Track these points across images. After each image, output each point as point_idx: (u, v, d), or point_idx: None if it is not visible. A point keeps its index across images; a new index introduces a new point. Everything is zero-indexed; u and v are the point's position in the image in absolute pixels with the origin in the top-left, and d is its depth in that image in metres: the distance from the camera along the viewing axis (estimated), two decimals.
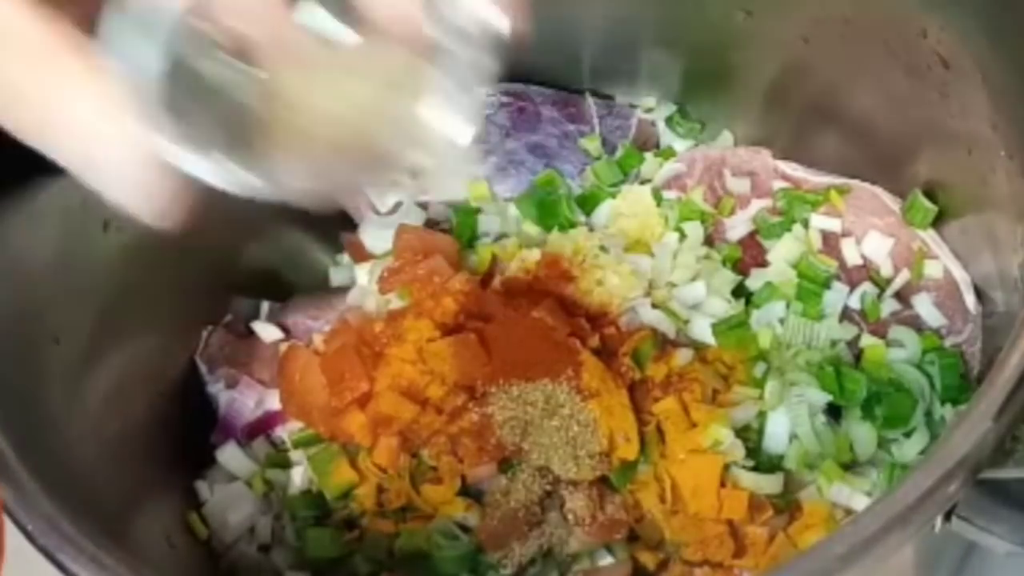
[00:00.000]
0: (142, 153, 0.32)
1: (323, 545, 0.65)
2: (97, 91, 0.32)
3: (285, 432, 0.71)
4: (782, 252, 0.71)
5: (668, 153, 0.81)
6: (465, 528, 0.64)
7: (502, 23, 0.36)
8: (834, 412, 0.66)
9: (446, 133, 0.36)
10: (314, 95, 0.36)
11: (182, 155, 0.32)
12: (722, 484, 0.62)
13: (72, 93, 0.32)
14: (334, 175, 0.36)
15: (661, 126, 0.84)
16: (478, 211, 0.77)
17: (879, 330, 0.69)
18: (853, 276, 0.71)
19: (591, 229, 0.75)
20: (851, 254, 0.71)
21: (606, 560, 0.64)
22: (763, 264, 0.72)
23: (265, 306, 0.77)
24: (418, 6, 0.36)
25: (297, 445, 0.69)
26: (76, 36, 0.32)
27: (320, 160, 0.36)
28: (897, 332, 0.68)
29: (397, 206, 0.78)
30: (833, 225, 0.72)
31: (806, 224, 0.72)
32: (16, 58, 0.32)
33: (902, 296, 0.70)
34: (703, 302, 0.70)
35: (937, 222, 0.70)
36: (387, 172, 0.36)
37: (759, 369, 0.67)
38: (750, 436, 0.65)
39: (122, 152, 0.32)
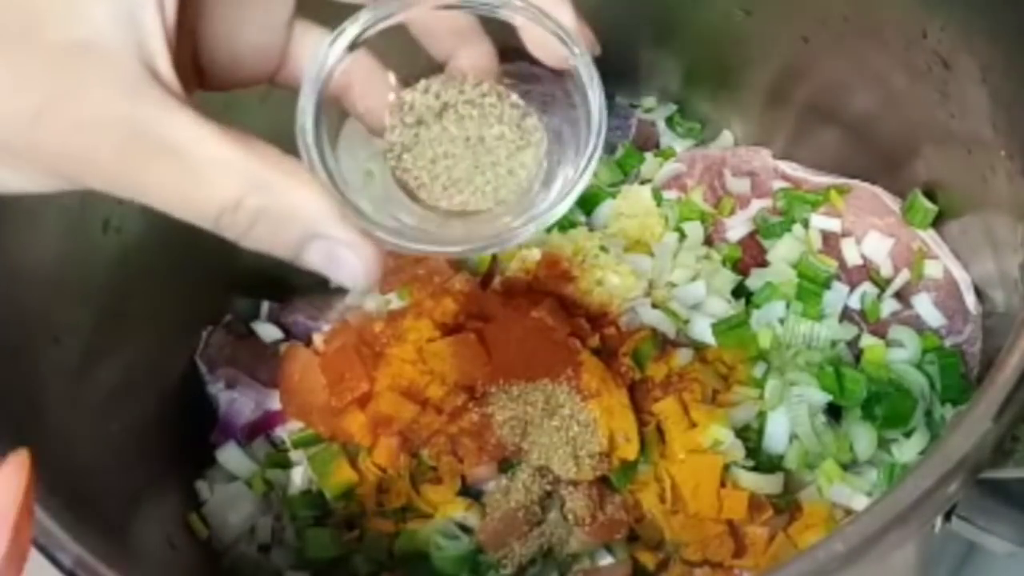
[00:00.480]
0: (368, 244, 0.37)
1: (323, 545, 0.65)
2: (315, 194, 0.36)
3: (285, 432, 0.71)
4: (782, 252, 0.71)
5: (668, 153, 0.81)
6: (465, 528, 0.64)
7: (585, 55, 0.38)
8: (834, 412, 0.66)
9: (547, 198, 0.38)
10: (435, 163, 0.39)
11: (391, 240, 0.37)
12: (722, 484, 0.62)
13: (298, 205, 0.36)
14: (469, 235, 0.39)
15: (661, 126, 0.84)
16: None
17: (879, 330, 0.69)
18: (853, 276, 0.71)
19: (591, 229, 0.75)
20: (851, 254, 0.71)
21: (606, 560, 0.64)
22: (763, 264, 0.72)
23: (265, 306, 0.77)
24: (493, 58, 0.40)
25: (297, 445, 0.69)
26: (260, 144, 0.36)
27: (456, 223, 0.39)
28: (897, 332, 0.68)
29: None
30: (833, 225, 0.72)
31: (806, 224, 0.72)
32: (235, 184, 0.35)
33: (902, 296, 0.70)
34: (703, 302, 0.70)
35: (937, 222, 0.70)
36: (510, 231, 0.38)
37: (759, 369, 0.67)
38: (750, 436, 0.65)
39: (355, 247, 0.37)
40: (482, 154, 0.39)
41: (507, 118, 0.39)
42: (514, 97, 0.39)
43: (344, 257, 0.37)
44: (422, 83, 0.39)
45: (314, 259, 0.37)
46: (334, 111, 0.38)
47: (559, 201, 0.37)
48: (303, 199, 0.36)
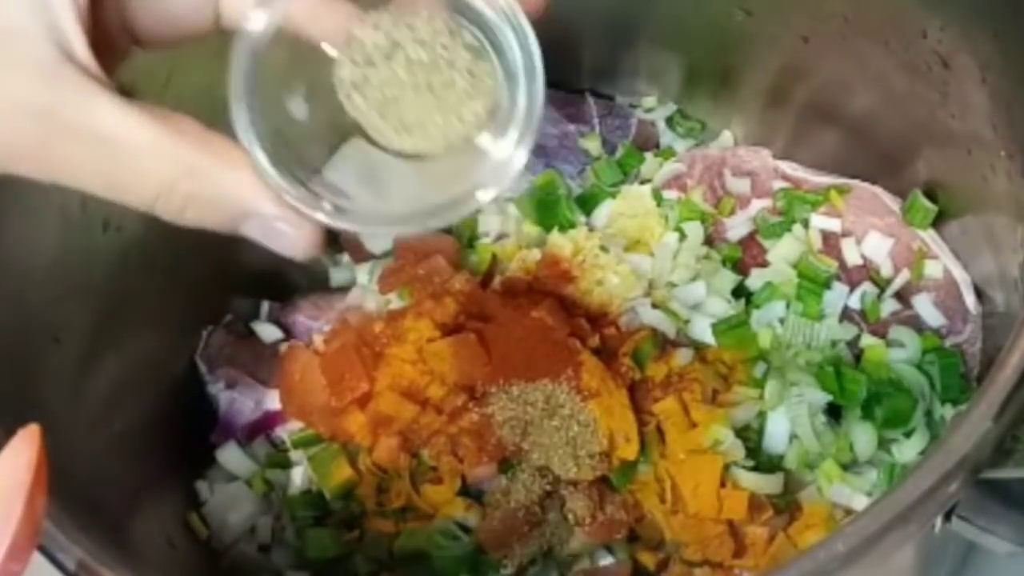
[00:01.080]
0: (303, 217, 0.37)
1: (323, 545, 0.65)
2: (246, 174, 0.36)
3: (285, 432, 0.71)
4: (782, 252, 0.71)
5: (668, 153, 0.81)
6: (465, 528, 0.64)
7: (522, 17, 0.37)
8: (834, 412, 0.66)
9: (502, 154, 0.38)
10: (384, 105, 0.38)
11: (307, 209, 0.37)
12: (722, 484, 0.62)
13: (229, 186, 0.36)
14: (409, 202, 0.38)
15: (661, 126, 0.84)
16: (478, 211, 0.77)
17: (879, 330, 0.69)
18: (853, 276, 0.70)
19: (591, 229, 0.75)
20: (851, 254, 0.71)
21: (606, 560, 0.64)
22: (763, 264, 0.72)
23: (265, 306, 0.77)
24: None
25: (297, 445, 0.69)
26: (188, 123, 0.35)
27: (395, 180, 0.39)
28: (897, 332, 0.68)
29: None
30: (833, 225, 0.72)
31: (806, 224, 0.72)
32: (165, 170, 0.35)
33: (902, 296, 0.70)
34: (703, 302, 0.70)
35: (937, 222, 0.70)
36: (455, 192, 0.38)
37: (759, 369, 0.67)
38: (750, 436, 0.65)
39: (291, 221, 0.37)
40: (431, 100, 0.38)
41: (459, 63, 0.38)
42: (468, 36, 0.38)
43: (281, 230, 0.37)
44: (372, 16, 0.38)
45: (251, 233, 0.37)
46: (291, 59, 0.38)
47: (500, 177, 0.37)
48: (234, 181, 0.36)
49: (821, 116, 0.75)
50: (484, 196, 0.38)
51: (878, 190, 0.72)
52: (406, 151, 0.38)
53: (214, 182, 0.36)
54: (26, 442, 0.35)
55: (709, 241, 0.74)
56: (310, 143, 0.38)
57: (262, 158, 0.36)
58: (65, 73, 0.34)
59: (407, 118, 0.38)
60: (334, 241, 0.81)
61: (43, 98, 0.34)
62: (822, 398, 0.65)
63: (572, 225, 0.75)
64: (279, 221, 0.37)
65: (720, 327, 0.68)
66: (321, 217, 0.37)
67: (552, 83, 0.85)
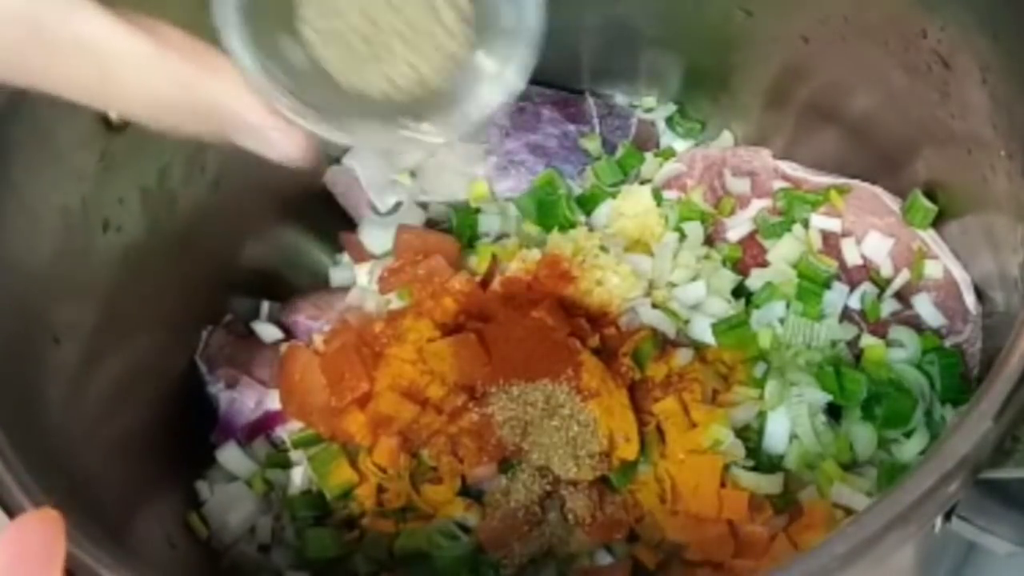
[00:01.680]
0: (295, 126, 0.37)
1: (323, 545, 0.65)
2: (236, 87, 0.36)
3: (285, 432, 0.71)
4: (782, 252, 0.71)
5: (668, 153, 0.81)
6: (465, 528, 0.64)
7: None
8: (834, 412, 0.66)
9: (495, 77, 0.39)
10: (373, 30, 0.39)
11: (298, 119, 0.38)
12: (722, 484, 0.62)
13: (219, 100, 0.36)
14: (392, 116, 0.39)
15: (661, 126, 0.84)
16: (478, 211, 0.77)
17: (879, 330, 0.69)
18: (853, 276, 0.71)
19: (591, 229, 0.75)
20: (851, 254, 0.71)
21: (606, 560, 0.64)
22: (763, 264, 0.72)
23: (265, 306, 0.77)
24: None
25: (297, 445, 0.69)
26: (175, 35, 0.36)
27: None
28: (897, 332, 0.68)
29: (397, 206, 0.78)
30: (833, 225, 0.72)
31: (806, 224, 0.72)
32: (153, 82, 0.35)
33: (902, 296, 0.70)
34: (703, 302, 0.70)
35: (937, 222, 0.70)
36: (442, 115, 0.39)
37: (759, 369, 0.67)
38: (750, 436, 0.65)
39: (283, 130, 0.38)
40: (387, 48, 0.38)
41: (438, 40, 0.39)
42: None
43: (274, 139, 0.38)
44: None
45: (245, 143, 0.38)
46: None
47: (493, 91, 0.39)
48: (224, 94, 0.36)
49: (821, 116, 0.75)
50: (477, 109, 0.39)
51: (878, 190, 0.72)
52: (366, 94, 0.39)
53: (205, 95, 0.36)
54: (46, 524, 0.33)
55: (709, 241, 0.74)
56: (299, 54, 0.39)
57: (251, 66, 0.36)
58: None
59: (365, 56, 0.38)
60: (334, 241, 0.81)
61: (24, 8, 0.34)
62: (822, 398, 0.65)
63: (572, 225, 0.75)
64: (270, 129, 0.37)
65: (720, 327, 0.68)
66: (310, 125, 0.37)
67: (552, 83, 0.86)
